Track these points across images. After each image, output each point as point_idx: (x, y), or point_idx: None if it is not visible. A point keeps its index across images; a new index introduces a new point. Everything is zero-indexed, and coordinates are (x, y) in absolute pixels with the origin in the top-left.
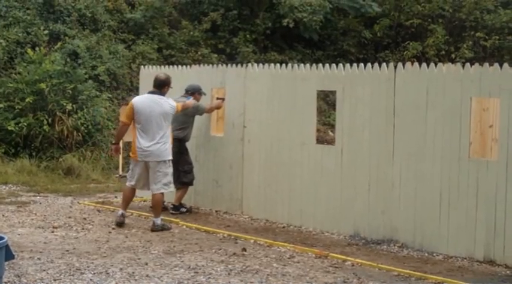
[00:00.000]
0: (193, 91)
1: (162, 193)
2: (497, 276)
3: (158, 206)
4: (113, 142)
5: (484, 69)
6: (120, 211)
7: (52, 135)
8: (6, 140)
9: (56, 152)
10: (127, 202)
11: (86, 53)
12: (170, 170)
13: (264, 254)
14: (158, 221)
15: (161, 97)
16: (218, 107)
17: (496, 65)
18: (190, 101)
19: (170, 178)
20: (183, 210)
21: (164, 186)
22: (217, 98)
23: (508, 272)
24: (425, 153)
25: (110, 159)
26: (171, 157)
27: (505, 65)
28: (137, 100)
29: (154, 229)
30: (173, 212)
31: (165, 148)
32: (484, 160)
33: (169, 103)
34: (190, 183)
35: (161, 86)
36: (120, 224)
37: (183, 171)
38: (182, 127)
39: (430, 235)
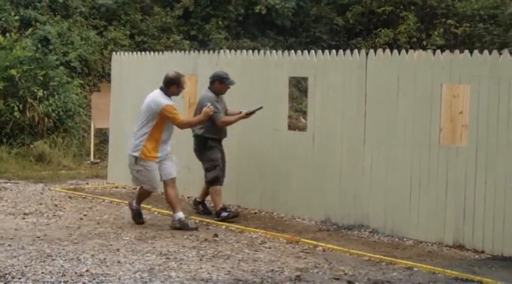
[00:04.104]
0: (213, 80)
1: (146, 190)
2: (466, 260)
3: (138, 196)
4: None
5: (455, 56)
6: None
7: (23, 121)
8: None
9: (27, 139)
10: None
11: (57, 39)
12: (134, 167)
13: (235, 240)
14: (133, 203)
15: (159, 92)
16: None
17: (466, 51)
18: (202, 115)
19: (135, 175)
20: (224, 214)
21: (132, 180)
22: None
23: (476, 256)
24: (396, 139)
25: (82, 146)
26: (136, 155)
27: (475, 51)
28: None
29: (129, 206)
30: (216, 218)
31: (136, 144)
32: (454, 146)
33: (157, 99)
34: (213, 182)
35: (167, 84)
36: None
37: (204, 169)
38: None
39: (401, 221)
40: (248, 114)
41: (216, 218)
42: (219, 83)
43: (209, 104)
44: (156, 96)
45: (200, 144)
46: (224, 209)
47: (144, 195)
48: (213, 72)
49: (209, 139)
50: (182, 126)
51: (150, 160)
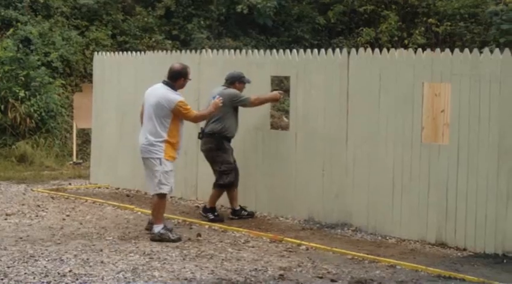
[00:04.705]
0: (233, 80)
1: (162, 195)
2: (448, 258)
3: (155, 210)
4: None
5: (436, 54)
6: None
7: (5, 122)
8: None
9: (9, 139)
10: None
11: (39, 40)
12: (160, 168)
13: (218, 239)
14: (156, 229)
15: (166, 87)
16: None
17: (447, 50)
18: (210, 108)
19: (162, 177)
20: (210, 216)
21: (155, 186)
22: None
23: (459, 254)
24: (378, 137)
25: (64, 146)
26: (160, 156)
27: (456, 50)
28: (148, 89)
29: (152, 238)
30: (202, 213)
31: (152, 144)
32: (436, 144)
33: (167, 95)
34: (227, 186)
35: (174, 77)
36: (148, 229)
37: (219, 171)
38: (217, 117)
39: (383, 219)
40: (274, 90)
41: (201, 213)
42: (239, 83)
43: (217, 96)
44: (165, 93)
45: (216, 143)
46: (213, 210)
47: (163, 205)
48: (231, 73)
49: (225, 138)
50: (196, 120)
51: (170, 160)
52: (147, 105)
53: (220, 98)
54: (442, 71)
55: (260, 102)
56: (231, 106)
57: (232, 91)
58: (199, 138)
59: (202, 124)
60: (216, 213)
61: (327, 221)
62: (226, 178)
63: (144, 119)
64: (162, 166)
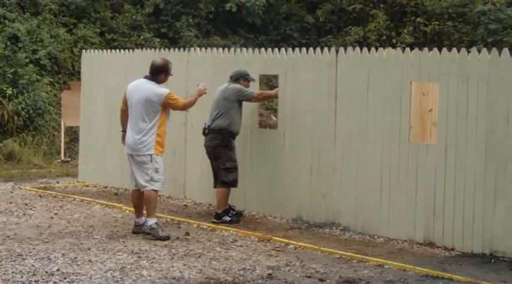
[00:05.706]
0: (237, 77)
1: (155, 191)
2: (436, 258)
3: (148, 204)
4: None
5: (424, 53)
6: (134, 220)
7: None
8: None
9: None
10: (134, 206)
11: (27, 37)
12: (151, 166)
13: (207, 238)
14: (150, 222)
15: (150, 82)
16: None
17: (435, 49)
18: (194, 94)
19: (153, 174)
20: (226, 218)
21: (146, 183)
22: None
23: (447, 253)
24: (366, 137)
25: (52, 144)
26: (151, 153)
27: (444, 49)
28: (130, 84)
29: (143, 229)
30: (215, 220)
31: (143, 140)
32: (423, 144)
33: (155, 90)
34: (232, 184)
35: (156, 73)
36: (135, 232)
37: (223, 169)
38: (223, 112)
39: (371, 218)
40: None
41: (214, 221)
42: (244, 80)
43: (202, 83)
44: (153, 88)
45: (222, 140)
46: (227, 212)
47: (154, 199)
48: (236, 70)
49: (231, 135)
50: (184, 108)
51: (160, 155)
52: (134, 102)
53: (205, 85)
54: (430, 70)
55: (264, 97)
56: (237, 101)
57: (236, 86)
58: (203, 134)
59: (205, 119)
60: (230, 214)
61: (315, 221)
62: (232, 176)
63: (130, 116)
64: (153, 163)
